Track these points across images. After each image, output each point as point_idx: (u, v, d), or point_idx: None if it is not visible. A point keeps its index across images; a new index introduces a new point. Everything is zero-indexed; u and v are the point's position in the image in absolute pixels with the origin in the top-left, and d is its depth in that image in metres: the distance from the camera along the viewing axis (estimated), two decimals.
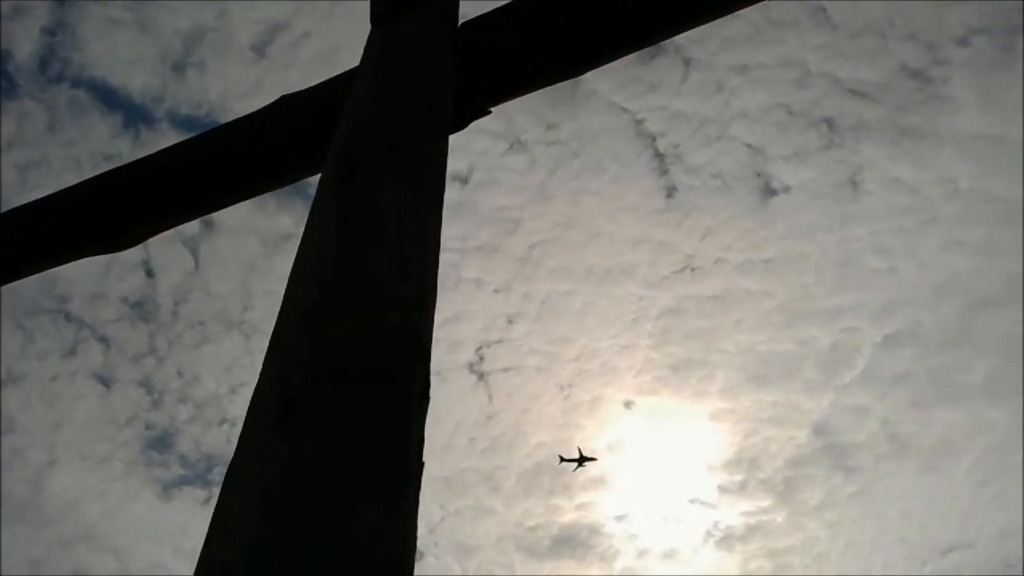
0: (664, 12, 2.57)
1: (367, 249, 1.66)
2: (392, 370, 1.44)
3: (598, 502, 33.33)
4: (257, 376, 1.49)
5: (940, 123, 29.83)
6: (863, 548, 33.45)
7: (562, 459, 32.02)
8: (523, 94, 2.68)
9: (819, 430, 33.39)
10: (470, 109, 2.62)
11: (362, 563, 1.16)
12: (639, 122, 31.21)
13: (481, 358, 33.22)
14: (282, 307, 1.61)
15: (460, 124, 2.59)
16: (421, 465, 1.39)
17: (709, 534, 33.39)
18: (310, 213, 1.86)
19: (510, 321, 33.17)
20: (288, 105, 2.77)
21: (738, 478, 33.48)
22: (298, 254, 1.75)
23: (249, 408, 1.43)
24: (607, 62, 2.61)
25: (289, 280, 1.68)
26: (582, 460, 31.88)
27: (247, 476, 1.28)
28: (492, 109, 2.71)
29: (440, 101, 2.28)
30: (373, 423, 1.33)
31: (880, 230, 31.47)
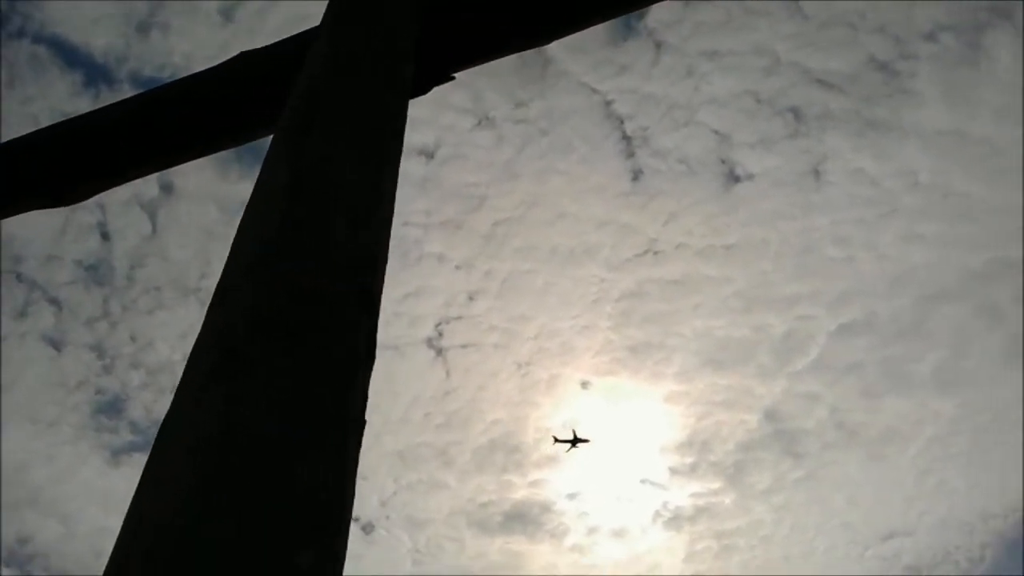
0: None
1: (319, 205, 1.63)
2: (338, 327, 1.41)
3: (550, 480, 33.63)
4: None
5: (904, 116, 30.27)
6: (807, 532, 34.16)
7: (556, 439, 32.19)
8: (488, 60, 2.65)
9: (770, 415, 33.95)
10: (433, 74, 2.58)
11: (296, 519, 1.14)
12: (608, 103, 31.26)
13: (440, 334, 33.20)
14: (229, 257, 1.57)
15: (422, 89, 2.55)
16: (363, 423, 1.37)
17: (658, 514, 33.87)
18: (262, 167, 1.82)
19: (471, 298, 33.18)
20: (247, 62, 2.71)
21: (689, 460, 33.97)
22: (248, 207, 1.71)
23: (189, 359, 1.40)
24: (573, 32, 2.59)
25: (238, 232, 1.64)
26: (576, 441, 32.06)
27: (183, 428, 1.25)
28: (456, 75, 2.68)
29: (401, 63, 2.24)
30: (316, 378, 1.31)
31: (840, 220, 31.93)
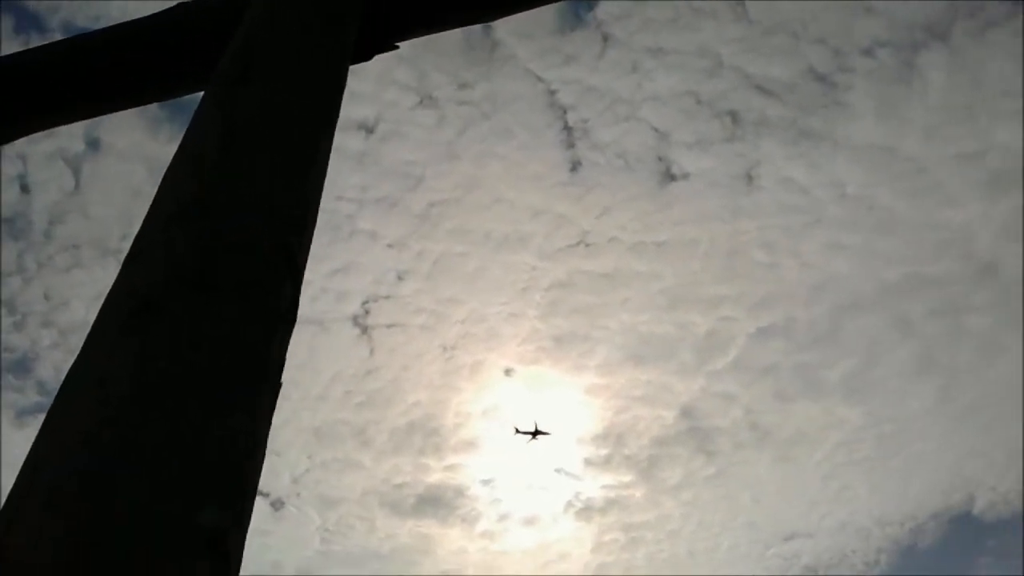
0: None
1: (250, 160, 1.58)
2: (259, 285, 1.37)
3: (466, 465, 33.67)
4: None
5: (837, 128, 30.93)
6: (713, 528, 34.90)
7: (517, 431, 32.13)
8: (432, 32, 2.62)
9: (686, 412, 34.52)
10: (376, 41, 2.55)
11: (203, 477, 1.11)
12: (552, 92, 31.21)
13: (367, 312, 32.82)
14: (151, 207, 1.52)
15: (364, 55, 2.51)
16: (278, 385, 1.34)
17: (570, 504, 34.21)
18: (192, 120, 1.76)
19: (400, 277, 32.88)
20: (184, 12, 2.63)
21: (604, 452, 34.36)
22: (174, 158, 1.65)
23: (101, 309, 1.35)
24: (518, 11, 2.58)
25: (162, 182, 1.58)
26: (536, 433, 32.08)
27: (92, 380, 1.20)
28: (399, 45, 2.64)
29: (344, 25, 2.20)
30: (233, 336, 1.28)
31: (768, 225, 32.54)
